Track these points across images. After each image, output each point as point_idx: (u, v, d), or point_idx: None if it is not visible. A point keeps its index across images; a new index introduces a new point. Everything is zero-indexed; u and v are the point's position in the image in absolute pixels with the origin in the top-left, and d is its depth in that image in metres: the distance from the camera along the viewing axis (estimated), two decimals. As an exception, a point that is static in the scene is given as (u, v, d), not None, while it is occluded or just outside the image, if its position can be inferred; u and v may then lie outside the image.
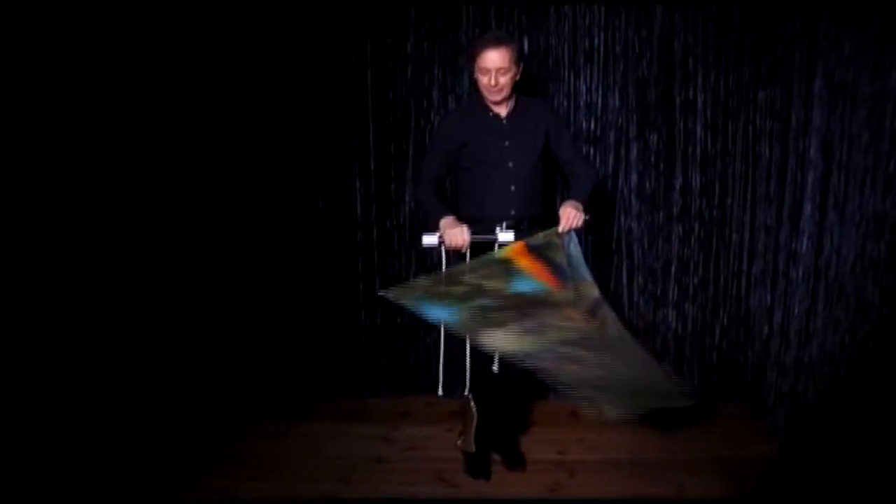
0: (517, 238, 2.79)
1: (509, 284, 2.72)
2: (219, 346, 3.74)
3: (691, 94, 3.55)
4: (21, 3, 3.00)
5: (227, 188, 3.66)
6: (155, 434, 3.43)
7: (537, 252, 2.76)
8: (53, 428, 3.20)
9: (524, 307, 2.73)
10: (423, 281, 2.76)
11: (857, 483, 2.86)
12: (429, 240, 2.81)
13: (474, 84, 3.00)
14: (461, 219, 2.90)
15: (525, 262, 2.75)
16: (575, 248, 2.83)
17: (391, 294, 2.68)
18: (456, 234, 2.77)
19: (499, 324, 2.70)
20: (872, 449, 2.86)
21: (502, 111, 2.96)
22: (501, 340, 2.71)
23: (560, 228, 2.76)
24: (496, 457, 3.23)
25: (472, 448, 3.05)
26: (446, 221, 2.82)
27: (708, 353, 3.82)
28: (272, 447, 3.39)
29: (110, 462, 3.18)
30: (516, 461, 3.20)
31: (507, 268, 2.72)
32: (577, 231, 2.83)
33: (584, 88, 3.61)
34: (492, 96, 2.89)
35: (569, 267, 2.80)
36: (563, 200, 2.96)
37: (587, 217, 2.81)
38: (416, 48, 3.60)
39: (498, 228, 2.85)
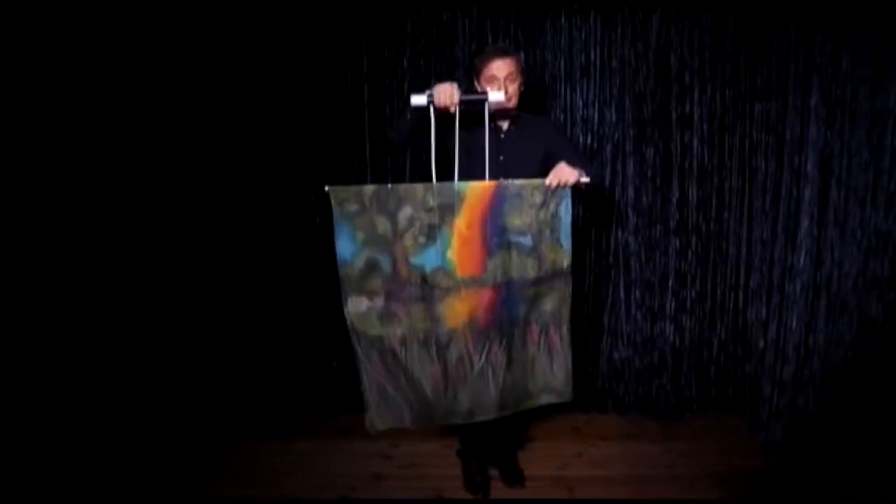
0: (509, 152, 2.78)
1: (418, 251, 2.72)
2: (218, 363, 3.74)
3: (687, 108, 3.55)
4: (21, 3, 2.99)
5: (224, 203, 3.65)
6: (155, 449, 3.42)
7: (500, 202, 2.71)
8: (54, 439, 3.19)
9: (403, 287, 2.76)
10: (370, 189, 2.70)
11: (857, 495, 2.87)
12: (417, 99, 2.67)
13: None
14: None
15: (468, 216, 2.70)
16: (565, 211, 2.75)
17: (337, 190, 2.68)
18: (445, 89, 2.62)
19: (370, 292, 2.76)
20: (876, 462, 2.87)
21: (503, 125, 2.95)
22: (355, 310, 2.78)
23: (547, 181, 2.69)
24: (495, 473, 3.23)
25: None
26: (416, 99, 2.69)
27: (706, 366, 3.82)
28: (271, 463, 3.38)
29: (111, 477, 3.17)
30: (515, 477, 3.20)
31: (444, 216, 2.70)
32: (575, 192, 2.76)
33: (580, 103, 3.61)
34: (504, 106, 2.86)
35: (548, 229, 2.76)
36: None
37: (586, 179, 2.70)
38: (413, 63, 3.59)
39: (489, 88, 2.78)
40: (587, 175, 2.72)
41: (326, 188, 2.69)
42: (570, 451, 3.46)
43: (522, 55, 3.12)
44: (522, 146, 2.93)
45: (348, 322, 2.80)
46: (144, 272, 3.58)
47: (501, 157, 2.91)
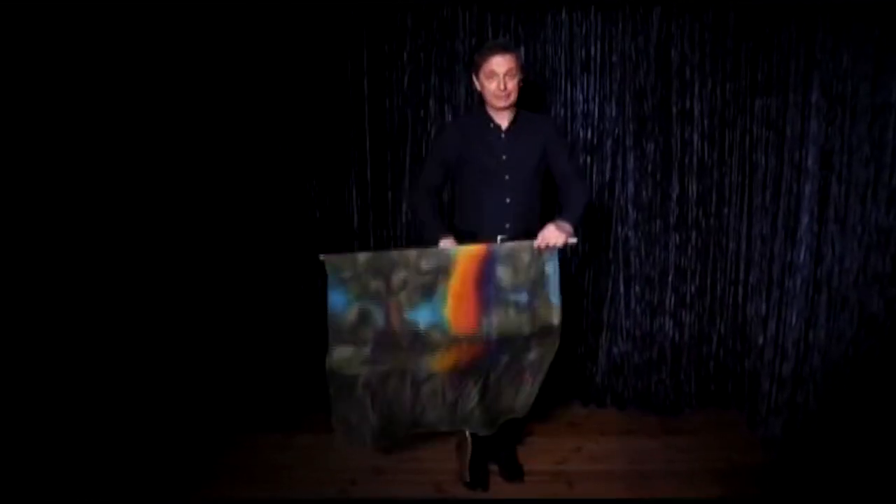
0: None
1: (413, 306, 2.78)
2: (218, 357, 3.74)
3: (688, 103, 3.55)
4: (21, 3, 2.98)
5: (224, 198, 3.65)
6: (155, 445, 3.42)
7: (492, 263, 2.77)
8: (53, 437, 3.19)
9: (396, 339, 2.80)
10: (363, 256, 2.77)
11: (856, 492, 2.88)
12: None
13: (476, 95, 2.98)
14: (456, 229, 2.93)
15: (462, 277, 2.76)
16: (553, 270, 2.81)
17: (332, 259, 2.74)
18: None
19: (359, 340, 2.80)
20: (873, 459, 2.87)
21: (503, 123, 2.94)
22: (339, 357, 2.83)
23: (535, 244, 2.75)
24: (494, 468, 3.23)
25: (468, 479, 3.11)
26: (444, 244, 2.83)
27: (705, 361, 3.83)
28: (271, 457, 3.38)
29: (110, 473, 3.17)
30: (514, 472, 3.20)
31: (438, 277, 2.75)
32: (562, 251, 2.82)
33: (580, 98, 3.60)
34: (499, 102, 2.86)
35: (539, 287, 2.81)
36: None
37: (573, 240, 2.78)
38: (413, 57, 3.59)
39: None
40: (577, 195, 2.85)
41: (321, 257, 2.75)
42: (569, 446, 3.46)
43: (522, 52, 3.12)
44: (523, 144, 2.93)
45: (327, 367, 2.85)
46: (144, 268, 3.57)
47: (504, 156, 2.91)
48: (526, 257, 2.77)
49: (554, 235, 2.73)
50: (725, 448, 3.42)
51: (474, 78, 2.92)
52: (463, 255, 2.76)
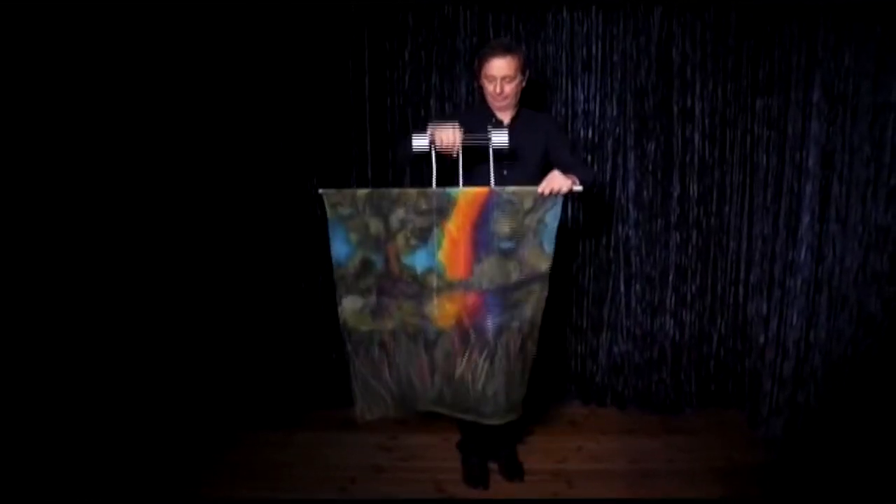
0: (510, 146, 2.74)
1: (410, 250, 2.76)
2: (218, 354, 3.74)
3: (689, 102, 3.55)
4: (21, 3, 2.99)
5: (225, 196, 3.65)
6: (155, 442, 3.42)
7: (491, 208, 2.72)
8: (54, 434, 3.19)
9: (395, 283, 2.80)
10: (363, 192, 2.74)
11: (856, 491, 2.88)
12: (419, 141, 2.69)
13: (479, 90, 2.97)
14: None
15: (459, 220, 2.72)
16: (553, 218, 2.74)
17: (330, 193, 2.73)
18: (447, 132, 2.67)
19: (364, 290, 2.81)
20: (873, 458, 2.87)
21: (505, 119, 2.95)
22: (350, 307, 2.83)
23: (539, 189, 2.69)
24: (494, 466, 3.22)
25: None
26: (436, 122, 2.73)
27: (705, 360, 3.82)
28: (271, 455, 3.38)
29: (110, 470, 3.17)
30: (514, 471, 3.20)
31: (435, 218, 2.72)
32: (566, 199, 2.77)
33: (581, 97, 3.60)
34: (496, 103, 2.90)
35: (533, 234, 2.75)
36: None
37: (578, 188, 2.70)
38: (414, 56, 3.59)
39: (489, 127, 2.77)
40: (581, 182, 2.72)
41: (320, 191, 2.73)
42: (570, 446, 3.46)
43: (524, 49, 3.11)
44: (524, 141, 2.92)
45: (341, 320, 2.85)
46: (145, 266, 3.57)
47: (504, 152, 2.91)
48: (528, 203, 2.71)
49: (559, 181, 2.67)
50: (726, 447, 3.42)
51: (476, 77, 2.93)
52: (464, 198, 2.71)
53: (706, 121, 3.56)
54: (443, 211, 2.72)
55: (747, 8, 3.41)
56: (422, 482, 3.16)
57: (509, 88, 2.84)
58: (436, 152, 2.71)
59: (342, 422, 3.62)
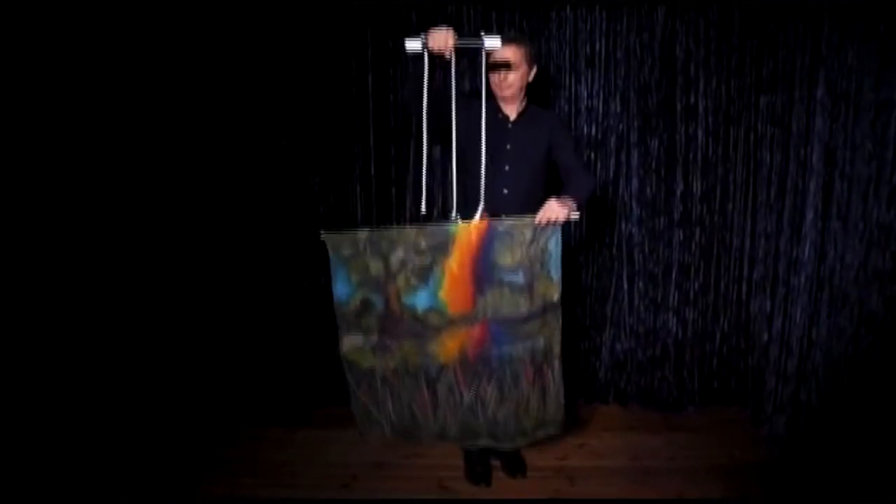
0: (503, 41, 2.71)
1: (410, 291, 2.77)
2: (221, 352, 3.75)
3: (692, 99, 3.54)
4: (21, 3, 2.99)
5: (228, 194, 3.65)
6: (157, 439, 3.43)
7: (491, 241, 2.73)
8: (56, 432, 3.20)
9: (397, 323, 2.81)
10: (363, 234, 2.76)
11: (859, 489, 2.88)
12: (412, 44, 2.64)
13: (486, 85, 2.94)
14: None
15: (459, 256, 2.73)
16: (555, 245, 2.75)
17: (332, 237, 2.76)
18: (440, 33, 2.60)
19: (366, 329, 2.83)
20: (876, 455, 2.87)
21: (511, 113, 2.96)
22: (350, 345, 2.86)
23: (536, 219, 2.69)
24: (496, 463, 3.23)
25: None
26: (411, 43, 2.66)
27: (708, 358, 3.82)
28: (274, 452, 3.39)
29: (113, 467, 3.19)
30: (517, 468, 3.20)
31: (435, 257, 2.73)
32: (565, 227, 2.76)
33: (585, 94, 3.60)
34: (501, 92, 2.90)
35: (539, 264, 2.77)
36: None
37: (575, 216, 2.71)
38: (418, 53, 3.58)
39: (482, 32, 2.70)
40: (582, 182, 2.78)
41: (322, 235, 2.77)
42: (572, 442, 3.46)
43: (527, 42, 3.09)
44: (528, 136, 2.94)
45: (341, 353, 2.88)
46: (147, 264, 3.58)
47: (508, 146, 2.92)
48: (527, 234, 2.72)
49: (556, 210, 2.67)
50: (728, 445, 3.42)
51: (483, 72, 2.91)
52: (462, 232, 2.72)
53: (709, 118, 3.55)
54: (442, 248, 2.73)
55: (751, 6, 3.40)
56: (424, 479, 3.17)
57: (512, 77, 2.85)
58: (429, 54, 2.65)
59: (344, 419, 3.58)
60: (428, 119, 2.71)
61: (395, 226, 2.86)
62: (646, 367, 3.81)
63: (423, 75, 2.65)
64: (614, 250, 3.75)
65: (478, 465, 3.17)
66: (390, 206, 3.74)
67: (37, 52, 3.12)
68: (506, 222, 2.73)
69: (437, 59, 2.65)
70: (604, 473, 3.21)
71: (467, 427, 2.93)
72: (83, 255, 3.35)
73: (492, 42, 2.66)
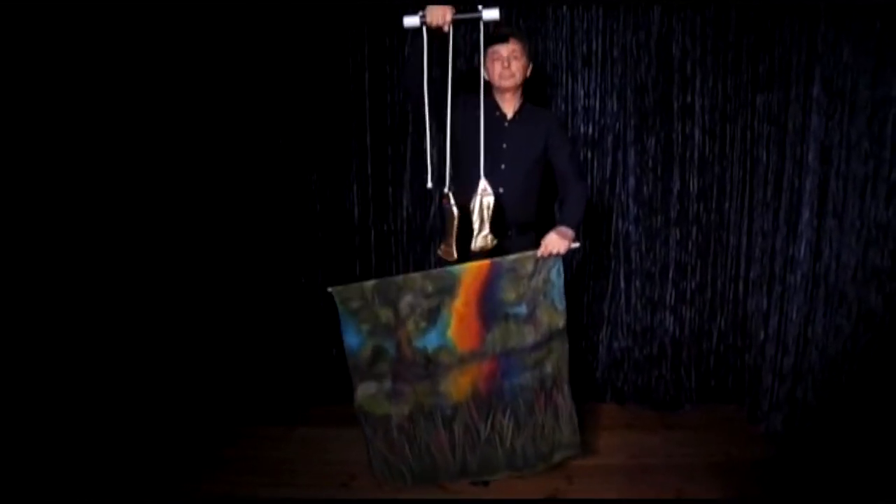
0: (506, 33, 2.80)
1: (420, 333, 2.84)
2: (219, 350, 3.75)
3: (689, 98, 3.54)
4: (21, 3, 2.98)
5: (225, 191, 3.66)
6: (155, 437, 3.43)
7: (496, 278, 2.80)
8: (55, 430, 3.20)
9: (409, 367, 2.88)
10: (370, 284, 2.82)
11: (856, 486, 2.88)
12: (410, 20, 2.68)
13: (484, 83, 2.92)
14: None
15: (465, 296, 2.81)
16: (557, 276, 2.84)
17: (339, 291, 2.80)
18: (438, 8, 2.64)
19: (378, 375, 2.90)
20: (873, 454, 2.87)
21: (508, 111, 2.96)
22: (364, 394, 2.91)
23: (538, 252, 2.78)
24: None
25: (454, 256, 2.81)
26: (409, 19, 2.69)
27: (705, 356, 3.82)
28: (273, 451, 3.39)
29: (111, 465, 3.18)
30: (514, 466, 3.21)
31: (443, 299, 2.81)
32: (565, 257, 2.84)
33: (581, 92, 3.60)
34: (503, 82, 2.89)
35: (542, 295, 2.85)
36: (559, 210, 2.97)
37: (576, 245, 2.83)
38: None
39: (480, 6, 2.70)
40: (576, 195, 2.85)
41: (329, 289, 2.82)
42: (570, 441, 3.45)
43: (526, 39, 3.09)
44: (525, 135, 2.94)
45: (356, 404, 2.93)
46: (146, 262, 3.58)
47: (504, 145, 2.92)
48: (529, 267, 2.80)
49: (556, 243, 2.77)
50: (725, 443, 3.42)
51: (482, 68, 2.91)
52: (467, 274, 2.80)
53: (706, 116, 3.55)
54: (448, 290, 2.80)
55: (747, 3, 3.41)
56: (422, 478, 3.16)
57: (516, 66, 2.87)
58: (427, 29, 2.68)
59: (343, 418, 3.60)
60: (429, 95, 2.74)
61: (400, 275, 2.91)
62: (643, 366, 3.81)
63: (422, 50, 2.69)
64: (611, 249, 3.75)
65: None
66: (387, 206, 3.74)
67: (37, 52, 3.11)
68: (508, 259, 2.80)
69: (436, 33, 2.67)
70: (602, 472, 3.20)
71: (486, 461, 3.01)
72: (81, 253, 3.35)
73: (490, 14, 2.67)
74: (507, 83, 2.90)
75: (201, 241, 3.67)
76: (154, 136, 3.52)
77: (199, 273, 3.69)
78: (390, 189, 3.73)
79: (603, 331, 3.85)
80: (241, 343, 3.77)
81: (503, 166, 2.91)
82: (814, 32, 3.15)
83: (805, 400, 3.24)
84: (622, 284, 3.77)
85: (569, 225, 2.83)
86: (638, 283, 3.74)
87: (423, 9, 2.66)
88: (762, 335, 3.55)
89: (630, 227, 3.69)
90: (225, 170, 3.64)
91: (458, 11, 2.67)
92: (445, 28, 2.67)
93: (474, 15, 2.69)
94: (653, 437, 3.50)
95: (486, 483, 3.10)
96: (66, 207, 3.30)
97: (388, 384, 2.91)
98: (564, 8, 3.52)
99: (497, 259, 2.80)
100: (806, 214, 3.18)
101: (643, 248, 3.70)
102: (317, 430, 3.57)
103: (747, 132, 3.56)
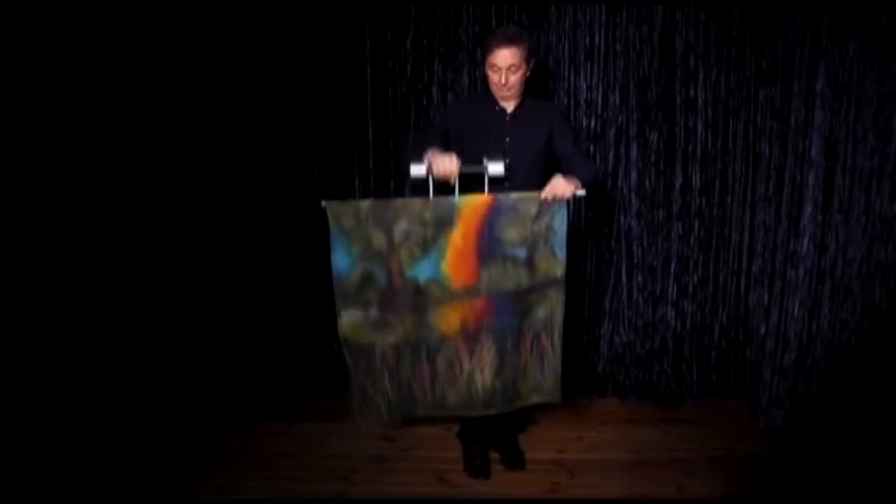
0: (505, 176, 2.75)
1: (413, 263, 2.77)
2: (219, 345, 3.74)
3: (692, 92, 3.54)
4: (21, 3, 2.97)
5: (226, 186, 3.65)
6: (155, 433, 3.42)
7: (496, 215, 2.74)
8: (53, 427, 3.19)
9: (397, 296, 2.81)
10: (366, 203, 2.76)
11: (856, 482, 2.88)
12: (417, 169, 2.70)
13: (484, 76, 2.94)
14: None
15: (464, 229, 2.74)
16: (560, 223, 2.77)
17: (333, 205, 2.73)
18: (444, 161, 2.66)
19: (365, 303, 2.81)
20: (874, 449, 2.88)
21: (509, 107, 2.93)
22: (348, 321, 2.83)
23: (542, 195, 2.72)
24: (495, 456, 3.23)
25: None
26: (433, 150, 2.73)
27: (707, 351, 3.82)
28: (273, 446, 3.38)
29: (111, 461, 3.17)
30: (516, 461, 3.20)
31: (440, 230, 2.74)
32: (570, 205, 2.79)
33: (584, 86, 3.59)
34: (500, 93, 2.88)
35: (543, 241, 2.79)
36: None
37: (581, 192, 2.73)
38: (416, 45, 3.57)
39: (485, 158, 2.74)
40: (582, 182, 2.74)
41: (323, 203, 2.73)
42: (571, 435, 3.46)
43: (527, 37, 3.08)
44: (527, 130, 2.92)
45: (340, 334, 2.85)
46: (146, 257, 3.57)
47: (507, 139, 2.90)
48: (532, 209, 2.74)
49: (562, 186, 2.70)
50: (726, 438, 3.42)
51: (482, 64, 2.90)
52: (467, 206, 2.73)
53: (709, 111, 3.55)
54: (447, 221, 2.74)
55: (751, -2, 3.40)
56: (423, 472, 3.16)
57: (514, 79, 2.82)
58: (433, 180, 2.72)
59: (343, 412, 3.58)
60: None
61: (398, 198, 2.85)
62: (644, 360, 3.82)
63: (427, 195, 2.72)
64: (613, 243, 3.75)
65: (477, 458, 3.16)
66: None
67: (37, 52, 3.10)
68: (511, 197, 2.74)
69: (442, 183, 2.71)
70: (602, 466, 3.20)
71: (465, 398, 2.94)
72: (80, 250, 3.34)
73: (495, 168, 2.71)
74: (504, 94, 2.88)
75: (202, 235, 3.66)
76: (155, 132, 3.52)
77: (200, 268, 3.69)
78: (392, 183, 3.73)
79: (604, 325, 3.85)
80: (243, 337, 3.77)
81: (507, 161, 2.89)
82: (818, 27, 3.13)
83: (807, 395, 3.24)
84: (624, 279, 3.76)
85: (575, 176, 2.76)
86: (640, 278, 3.74)
87: (429, 156, 2.68)
88: (763, 330, 3.54)
89: (632, 222, 3.68)
90: (227, 164, 3.63)
91: (463, 163, 2.69)
92: (452, 181, 2.69)
93: (479, 168, 2.72)
94: (654, 432, 3.50)
95: (486, 476, 3.11)
96: (66, 203, 3.29)
97: (373, 312, 2.82)
98: (567, 2, 3.50)
99: (500, 195, 2.74)
100: (809, 209, 3.17)
101: (645, 242, 3.70)
102: (318, 425, 3.57)
103: (750, 127, 3.55)
